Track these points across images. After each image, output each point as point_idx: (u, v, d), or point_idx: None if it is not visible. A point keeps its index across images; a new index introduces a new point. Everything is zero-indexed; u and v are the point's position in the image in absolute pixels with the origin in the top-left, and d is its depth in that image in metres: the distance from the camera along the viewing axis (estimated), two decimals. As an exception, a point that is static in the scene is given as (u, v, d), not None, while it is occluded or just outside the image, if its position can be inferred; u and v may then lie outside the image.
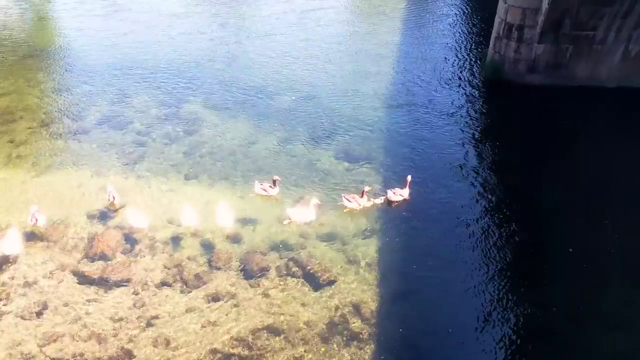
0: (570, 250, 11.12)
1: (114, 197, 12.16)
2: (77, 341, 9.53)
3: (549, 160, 13.60)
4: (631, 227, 11.55)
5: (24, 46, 19.65)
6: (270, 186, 12.44)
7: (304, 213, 11.79)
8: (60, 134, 14.98)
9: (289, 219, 11.81)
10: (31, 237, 11.53)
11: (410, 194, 12.32)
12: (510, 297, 10.28)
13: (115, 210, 12.17)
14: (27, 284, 10.55)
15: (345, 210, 12.10)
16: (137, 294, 10.38)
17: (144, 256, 11.14)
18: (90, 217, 12.09)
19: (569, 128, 14.64)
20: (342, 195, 12.23)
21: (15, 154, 14.03)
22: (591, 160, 13.43)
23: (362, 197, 11.98)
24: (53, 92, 16.93)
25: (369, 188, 12.24)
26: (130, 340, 9.56)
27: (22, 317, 9.93)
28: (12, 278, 10.63)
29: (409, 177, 12.22)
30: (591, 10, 14.68)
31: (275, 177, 12.48)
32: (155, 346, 9.47)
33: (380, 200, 12.26)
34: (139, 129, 15.11)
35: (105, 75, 17.65)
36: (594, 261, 10.81)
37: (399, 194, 12.18)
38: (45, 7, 22.87)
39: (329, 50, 18.78)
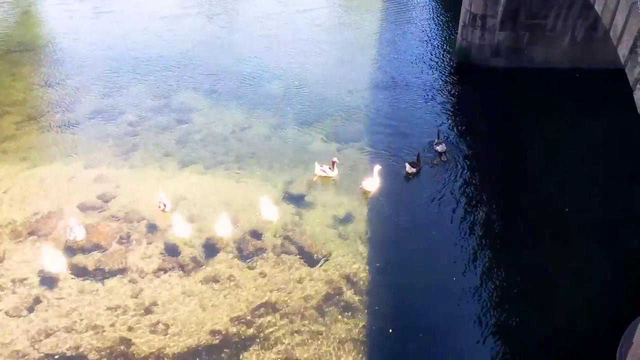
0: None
1: (164, 205, 10.10)
2: (73, 334, 8.08)
3: (514, 132, 12.97)
4: (584, 188, 11.02)
5: (7, 40, 16.98)
6: (330, 168, 11.08)
7: (375, 182, 10.80)
8: (50, 128, 12.91)
9: (367, 189, 10.76)
10: (21, 233, 9.87)
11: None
12: (491, 262, 9.50)
13: (165, 218, 10.10)
14: (17, 280, 8.89)
15: (410, 176, 11.36)
16: (134, 282, 8.95)
17: (140, 244, 9.62)
18: (84, 208, 10.38)
19: (529, 103, 14.09)
20: (406, 163, 11.39)
21: (1, 149, 11.98)
22: (549, 130, 12.96)
23: (418, 161, 11.39)
24: (41, 86, 14.66)
25: (420, 153, 11.56)
26: (128, 329, 8.20)
27: (13, 315, 8.35)
28: (1, 275, 8.97)
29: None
30: (542, 1, 14.36)
31: (334, 159, 11.12)
32: (154, 333, 8.16)
33: (436, 160, 11.72)
34: (131, 120, 13.21)
35: (94, 68, 15.45)
36: (560, 222, 10.21)
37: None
38: (31, 2, 20.02)
39: (315, 40, 17.36)
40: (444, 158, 11.89)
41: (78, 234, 9.56)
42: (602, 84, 14.12)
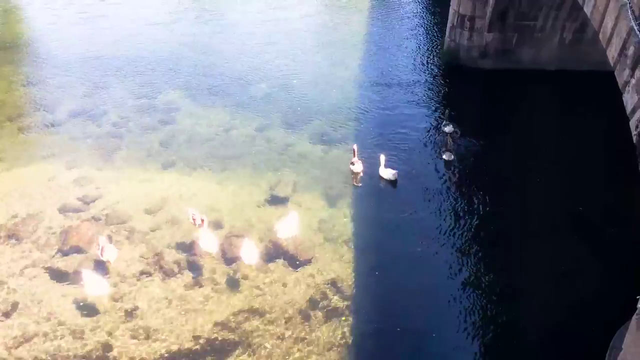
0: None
1: (202, 220, 9.38)
2: (52, 339, 7.88)
3: (500, 132, 12.86)
4: (571, 188, 10.92)
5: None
6: (353, 157, 11.12)
7: (387, 170, 10.89)
8: (31, 128, 12.60)
9: (388, 178, 10.84)
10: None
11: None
12: (479, 263, 9.36)
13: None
14: (-6, 284, 8.64)
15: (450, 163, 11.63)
16: (115, 286, 8.73)
17: (122, 247, 9.39)
18: (65, 210, 10.16)
19: (516, 105, 14.02)
20: (445, 152, 11.66)
21: (-21, 150, 11.67)
22: (537, 131, 12.87)
23: (447, 146, 11.85)
24: (21, 86, 14.30)
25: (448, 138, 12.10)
26: (109, 334, 8.01)
27: (-11, 320, 8.10)
28: (-23, 279, 8.70)
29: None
30: (531, 2, 14.31)
31: (354, 146, 11.15)
32: (135, 338, 7.96)
33: (449, 142, 12.04)
34: (114, 120, 12.95)
35: (77, 67, 15.09)
36: (545, 221, 10.09)
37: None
38: (14, 2, 19.43)
39: (301, 41, 17.15)
40: (454, 136, 12.15)
41: (111, 256, 8.94)
42: (591, 86, 13.91)
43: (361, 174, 11.14)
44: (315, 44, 16.96)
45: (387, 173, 10.88)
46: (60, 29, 17.41)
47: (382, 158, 10.95)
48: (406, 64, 15.82)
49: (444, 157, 11.61)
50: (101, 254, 8.92)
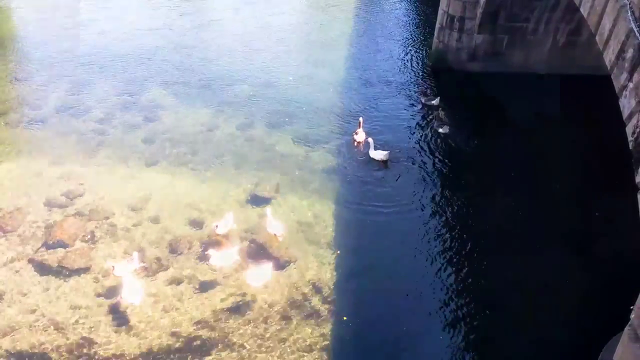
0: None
1: (216, 226, 9.09)
2: (35, 332, 7.83)
3: (488, 137, 12.49)
4: (562, 196, 10.65)
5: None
6: (359, 128, 11.43)
7: (380, 153, 11.07)
8: (16, 123, 12.42)
9: (380, 159, 10.98)
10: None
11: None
12: (460, 269, 9.10)
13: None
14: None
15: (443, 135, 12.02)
16: (97, 281, 8.66)
17: (105, 243, 9.38)
18: (49, 205, 10.11)
19: (505, 109, 13.60)
20: (437, 125, 12.04)
21: (-35, 145, 11.86)
22: (524, 137, 12.45)
23: (441, 119, 12.15)
24: (7, 82, 13.94)
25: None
26: (91, 329, 7.93)
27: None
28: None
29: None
30: (523, 3, 13.95)
31: (360, 119, 11.49)
32: (117, 333, 7.92)
33: (442, 115, 12.34)
34: (99, 117, 12.79)
35: (62, 64, 14.74)
36: (534, 229, 9.77)
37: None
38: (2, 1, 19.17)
39: (286, 40, 16.91)
40: (444, 107, 12.42)
41: (124, 272, 8.17)
42: (583, 90, 13.22)
43: (363, 143, 11.34)
44: (301, 45, 16.71)
45: (378, 154, 11.03)
46: (47, 27, 17.03)
47: (371, 141, 11.24)
48: (391, 66, 15.33)
49: (440, 130, 11.71)
50: (121, 266, 8.52)
